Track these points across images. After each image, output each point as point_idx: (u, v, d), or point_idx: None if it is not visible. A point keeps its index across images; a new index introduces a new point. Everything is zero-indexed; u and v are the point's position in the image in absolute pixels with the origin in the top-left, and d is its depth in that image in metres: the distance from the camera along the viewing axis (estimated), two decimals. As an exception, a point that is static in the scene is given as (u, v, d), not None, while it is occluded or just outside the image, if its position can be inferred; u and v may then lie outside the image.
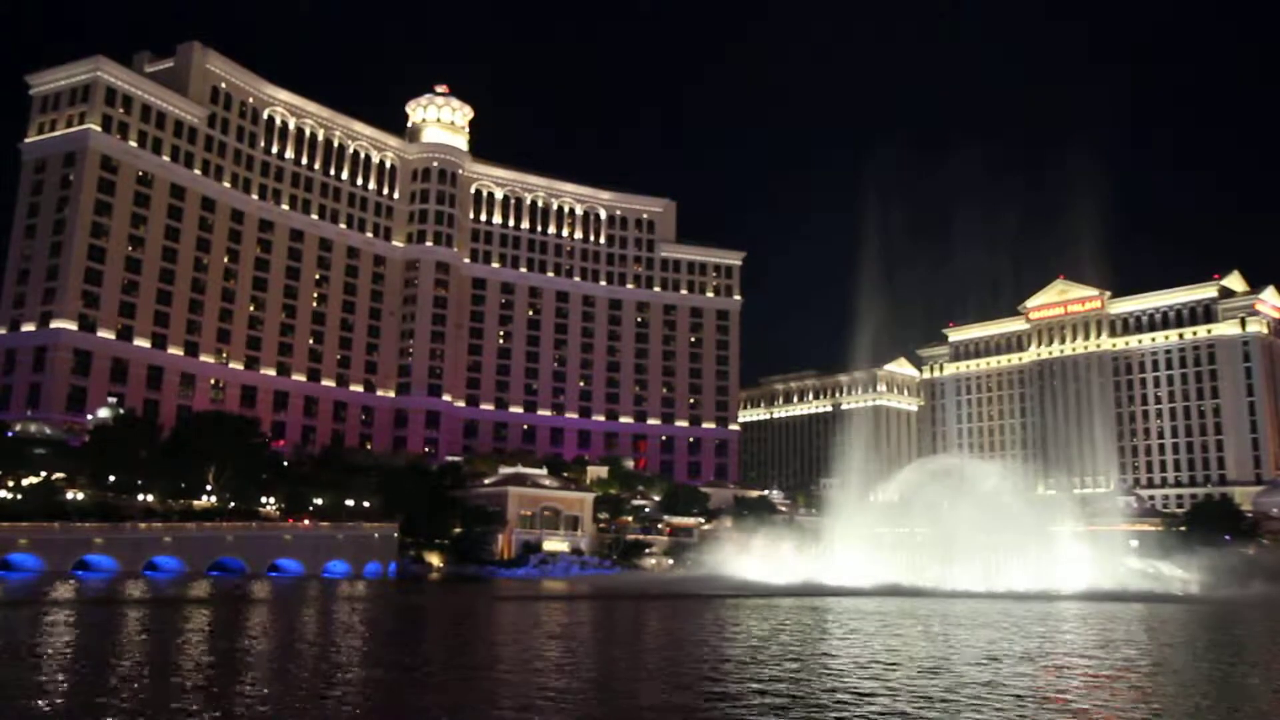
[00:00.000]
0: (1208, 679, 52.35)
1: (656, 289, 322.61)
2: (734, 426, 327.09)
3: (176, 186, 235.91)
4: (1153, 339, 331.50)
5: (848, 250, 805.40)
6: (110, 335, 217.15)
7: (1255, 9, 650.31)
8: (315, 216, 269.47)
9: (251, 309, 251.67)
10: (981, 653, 59.04)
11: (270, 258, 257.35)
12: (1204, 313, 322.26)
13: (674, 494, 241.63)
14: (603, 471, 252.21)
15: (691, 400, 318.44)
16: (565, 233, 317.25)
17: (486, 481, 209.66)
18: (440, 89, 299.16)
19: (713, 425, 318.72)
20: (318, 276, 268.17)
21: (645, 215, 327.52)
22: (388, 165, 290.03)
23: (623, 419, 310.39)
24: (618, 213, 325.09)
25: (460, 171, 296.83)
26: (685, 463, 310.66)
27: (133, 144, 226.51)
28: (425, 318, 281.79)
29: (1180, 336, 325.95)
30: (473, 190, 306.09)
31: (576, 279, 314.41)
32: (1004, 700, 40.93)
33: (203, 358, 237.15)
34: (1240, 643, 77.54)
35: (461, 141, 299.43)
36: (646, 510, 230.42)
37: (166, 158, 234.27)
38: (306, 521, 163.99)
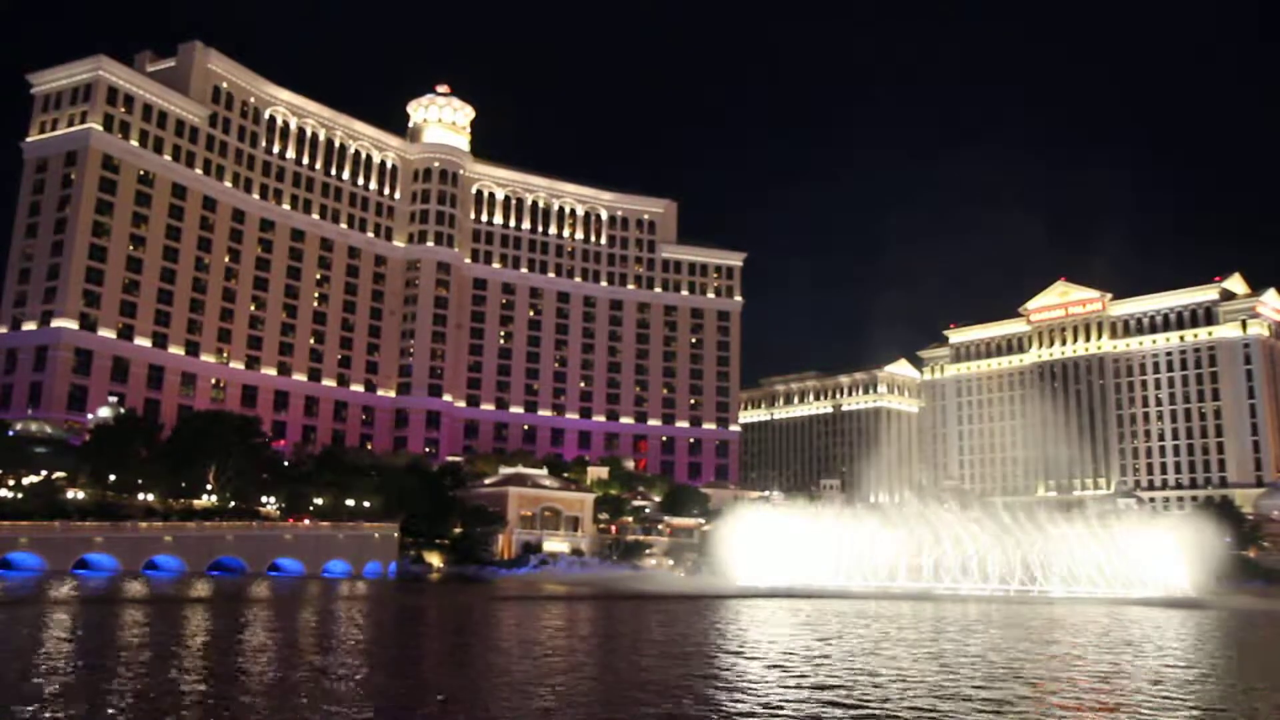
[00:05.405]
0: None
1: (657, 289, 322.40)
2: (734, 427, 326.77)
3: (178, 186, 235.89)
4: (1154, 341, 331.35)
5: (849, 251, 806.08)
6: (111, 334, 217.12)
7: (1256, 9, 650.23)
8: (316, 216, 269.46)
9: (252, 308, 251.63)
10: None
11: (271, 257, 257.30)
12: (1205, 315, 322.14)
13: (674, 495, 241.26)
14: (603, 472, 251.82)
15: (692, 401, 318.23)
16: (566, 233, 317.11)
17: (487, 482, 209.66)
18: (441, 89, 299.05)
19: (713, 426, 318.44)
20: (319, 276, 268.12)
21: (646, 216, 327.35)
22: (389, 165, 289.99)
23: (623, 419, 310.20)
24: (619, 213, 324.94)
25: (461, 172, 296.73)
26: (686, 463, 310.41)
27: (134, 143, 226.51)
28: (426, 318, 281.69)
29: (1181, 339, 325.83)
30: (474, 190, 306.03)
31: (577, 279, 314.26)
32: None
33: (203, 357, 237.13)
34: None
35: (463, 141, 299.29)
36: (647, 511, 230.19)
37: (168, 157, 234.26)
38: (307, 521, 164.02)
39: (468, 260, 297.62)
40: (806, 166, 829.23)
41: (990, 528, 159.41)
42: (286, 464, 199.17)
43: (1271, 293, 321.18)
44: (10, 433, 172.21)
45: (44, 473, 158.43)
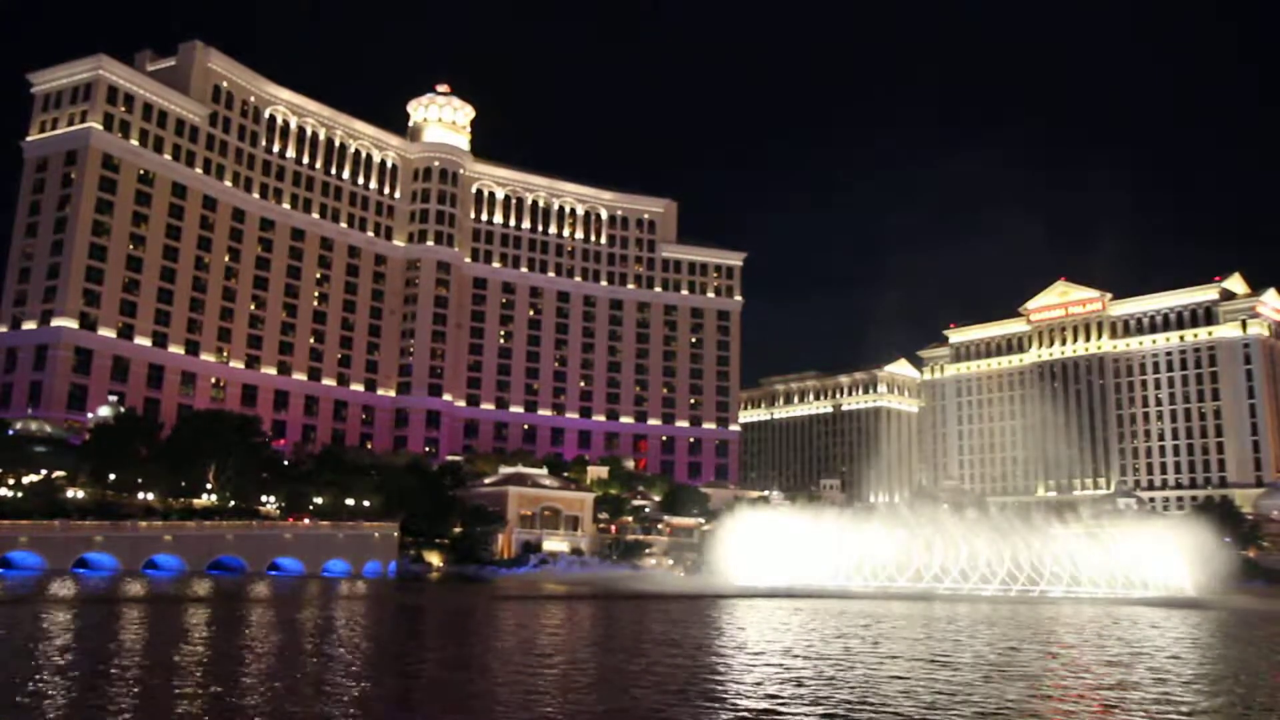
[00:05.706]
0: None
1: (657, 289, 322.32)
2: (734, 427, 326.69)
3: (178, 185, 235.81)
4: (1153, 341, 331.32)
5: (849, 251, 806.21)
6: (111, 334, 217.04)
7: (1256, 9, 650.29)
8: (316, 215, 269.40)
9: (252, 308, 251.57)
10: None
11: (271, 257, 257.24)
12: (1205, 315, 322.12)
13: (674, 494, 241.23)
14: (603, 472, 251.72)
15: (692, 400, 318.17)
16: (566, 232, 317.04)
17: (487, 481, 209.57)
18: (442, 88, 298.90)
19: (713, 425, 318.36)
20: (319, 276, 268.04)
21: (646, 215, 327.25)
22: (389, 164, 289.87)
23: (623, 419, 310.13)
24: (619, 213, 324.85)
25: (461, 171, 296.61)
26: (685, 463, 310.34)
27: (134, 142, 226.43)
28: (426, 317, 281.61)
29: (1181, 338, 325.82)
30: (474, 190, 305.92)
31: (577, 279, 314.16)
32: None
33: (203, 356, 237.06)
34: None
35: (463, 141, 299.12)
36: (647, 510, 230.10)
37: (168, 156, 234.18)
38: (306, 520, 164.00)
39: (468, 260, 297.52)
40: (806, 166, 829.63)
41: (989, 528, 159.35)
42: (286, 463, 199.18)
43: (1271, 293, 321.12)
44: (10, 432, 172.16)
45: (44, 472, 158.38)
